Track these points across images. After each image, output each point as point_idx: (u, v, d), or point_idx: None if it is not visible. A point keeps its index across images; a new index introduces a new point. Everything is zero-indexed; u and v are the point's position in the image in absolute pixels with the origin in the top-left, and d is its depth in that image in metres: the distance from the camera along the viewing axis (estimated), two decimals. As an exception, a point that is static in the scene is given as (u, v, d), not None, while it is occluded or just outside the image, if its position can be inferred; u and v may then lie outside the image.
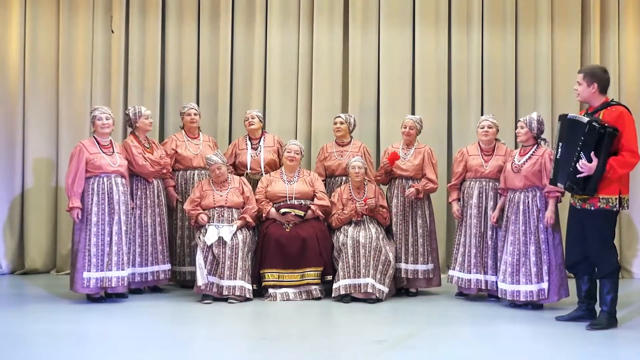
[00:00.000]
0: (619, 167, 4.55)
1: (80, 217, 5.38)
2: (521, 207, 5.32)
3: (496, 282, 5.55)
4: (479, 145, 5.81)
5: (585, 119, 4.54)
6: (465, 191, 5.79)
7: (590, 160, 4.50)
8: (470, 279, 5.67)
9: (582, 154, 4.53)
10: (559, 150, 4.74)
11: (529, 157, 5.35)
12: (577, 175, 4.55)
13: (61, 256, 6.91)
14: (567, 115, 4.75)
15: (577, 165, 4.54)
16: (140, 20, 7.02)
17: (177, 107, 6.97)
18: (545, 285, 5.25)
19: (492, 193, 5.66)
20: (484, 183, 5.70)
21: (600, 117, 4.64)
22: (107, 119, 5.57)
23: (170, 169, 6.00)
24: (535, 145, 5.41)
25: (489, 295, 5.71)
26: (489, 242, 5.64)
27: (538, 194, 5.31)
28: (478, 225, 5.67)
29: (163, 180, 6.01)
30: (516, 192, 5.37)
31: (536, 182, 5.30)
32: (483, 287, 5.66)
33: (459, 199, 5.83)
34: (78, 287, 5.36)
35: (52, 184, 6.99)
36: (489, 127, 5.73)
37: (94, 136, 5.57)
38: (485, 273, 5.64)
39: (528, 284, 5.26)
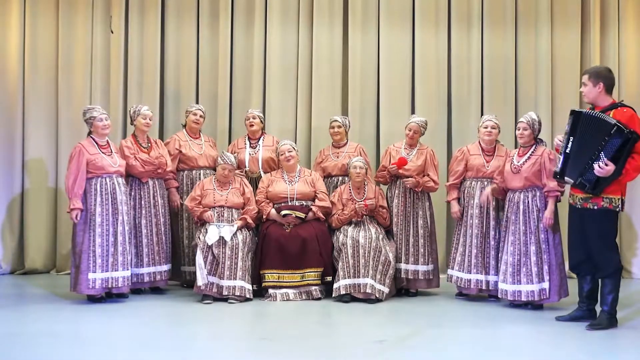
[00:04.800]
0: (633, 171, 4.56)
1: (80, 218, 5.37)
2: (521, 207, 5.31)
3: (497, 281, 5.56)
4: (480, 144, 5.80)
5: (613, 120, 4.50)
6: (466, 191, 5.78)
7: (610, 162, 4.47)
8: (470, 279, 5.67)
9: (602, 155, 4.51)
10: (569, 144, 4.69)
11: (529, 157, 5.34)
12: (594, 175, 4.53)
13: (61, 256, 6.91)
14: (582, 110, 4.73)
15: (596, 165, 4.51)
16: (139, 20, 7.01)
17: (177, 107, 7.00)
18: (546, 285, 5.24)
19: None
20: (485, 183, 5.70)
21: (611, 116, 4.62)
22: (106, 120, 5.58)
23: (167, 169, 5.92)
24: (534, 145, 5.40)
25: (490, 295, 5.71)
26: (492, 242, 5.63)
27: (538, 193, 5.31)
28: (480, 226, 5.66)
29: (165, 180, 6.00)
30: (515, 192, 5.37)
31: (536, 182, 5.30)
32: (484, 288, 5.65)
33: (458, 199, 5.83)
34: (83, 288, 5.35)
35: (52, 184, 6.99)
36: (493, 128, 5.73)
37: (92, 137, 5.57)
38: (487, 273, 5.63)
39: (529, 283, 5.26)
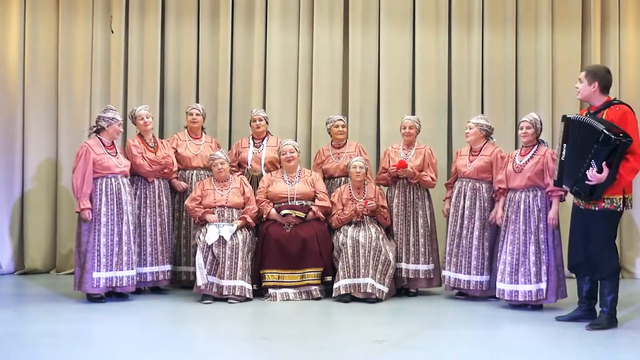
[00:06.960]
0: (627, 175, 4.48)
1: (90, 217, 5.39)
2: (522, 206, 5.31)
3: (469, 281, 5.63)
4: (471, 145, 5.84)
5: (601, 127, 4.40)
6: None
7: (600, 170, 4.41)
8: (450, 277, 5.75)
9: (593, 162, 4.44)
10: (563, 151, 4.67)
11: (531, 157, 5.34)
12: (586, 182, 4.49)
13: (61, 256, 6.91)
14: (572, 116, 4.69)
15: (587, 173, 4.45)
16: (139, 20, 7.01)
17: (177, 107, 7.00)
18: (543, 285, 5.24)
19: (469, 193, 5.68)
20: (463, 183, 5.74)
21: (603, 117, 4.58)
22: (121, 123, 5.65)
23: (172, 169, 5.94)
24: (536, 145, 5.40)
25: (489, 296, 5.71)
26: (463, 242, 5.66)
27: (539, 193, 5.31)
28: (454, 225, 5.73)
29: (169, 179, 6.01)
30: (516, 192, 5.37)
31: (538, 181, 5.30)
32: (453, 285, 5.72)
33: (450, 198, 5.88)
34: (87, 287, 5.38)
35: (52, 184, 6.98)
36: (469, 128, 5.77)
37: (98, 137, 5.58)
38: (458, 271, 5.67)
39: (527, 283, 5.25)
